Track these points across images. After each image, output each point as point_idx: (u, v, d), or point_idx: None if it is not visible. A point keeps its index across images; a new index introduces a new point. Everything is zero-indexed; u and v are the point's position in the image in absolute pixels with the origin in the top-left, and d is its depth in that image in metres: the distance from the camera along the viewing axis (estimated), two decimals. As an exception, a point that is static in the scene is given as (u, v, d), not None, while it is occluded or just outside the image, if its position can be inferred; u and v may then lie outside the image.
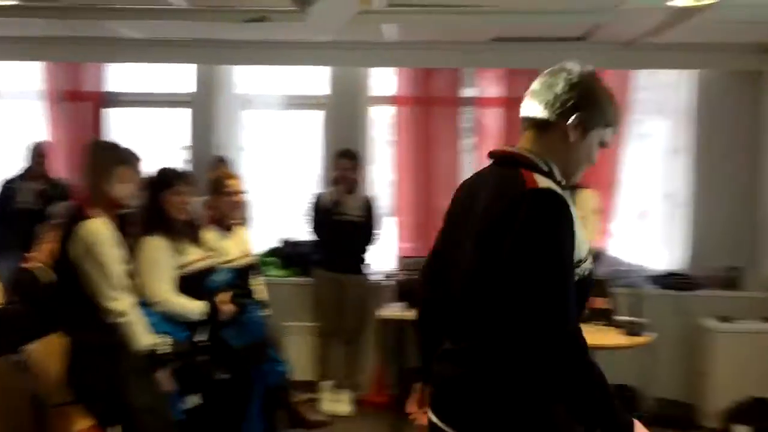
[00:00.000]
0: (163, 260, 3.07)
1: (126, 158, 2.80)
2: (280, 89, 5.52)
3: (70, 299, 2.63)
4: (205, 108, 5.52)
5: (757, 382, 4.60)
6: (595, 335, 3.13)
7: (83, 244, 2.59)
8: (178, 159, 5.30)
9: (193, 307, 3.12)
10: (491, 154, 1.84)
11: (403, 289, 4.83)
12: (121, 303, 2.66)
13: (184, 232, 3.23)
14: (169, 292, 3.03)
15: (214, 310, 3.13)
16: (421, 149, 5.38)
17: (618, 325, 3.10)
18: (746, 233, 5.19)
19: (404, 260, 5.28)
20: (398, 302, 4.76)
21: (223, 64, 5.47)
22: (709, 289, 5.13)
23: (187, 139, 5.61)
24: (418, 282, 2.06)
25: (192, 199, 3.30)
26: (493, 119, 5.38)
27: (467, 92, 5.40)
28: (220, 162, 5.11)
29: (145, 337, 2.71)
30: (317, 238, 5.16)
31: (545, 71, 1.83)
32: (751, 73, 5.13)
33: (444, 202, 5.31)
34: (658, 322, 4.12)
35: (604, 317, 3.13)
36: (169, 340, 2.77)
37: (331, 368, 5.11)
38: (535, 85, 1.80)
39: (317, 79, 5.59)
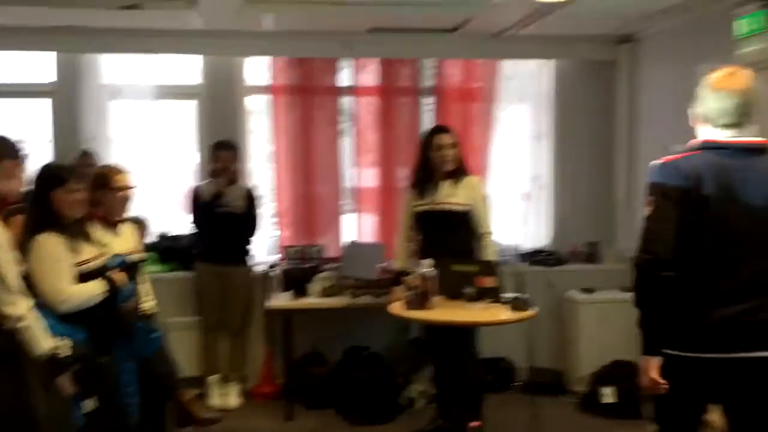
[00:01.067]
0: (63, 258, 2.94)
1: (10, 151, 2.63)
2: (151, 79, 5.33)
3: None
4: (67, 99, 5.23)
5: (618, 347, 5.00)
6: (484, 313, 3.33)
7: None
8: (43, 153, 5.00)
9: (94, 288, 3.01)
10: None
11: (290, 278, 4.87)
12: (19, 307, 2.51)
13: (77, 230, 3.10)
14: (72, 288, 2.92)
15: (112, 283, 3.05)
16: (299, 138, 5.39)
17: (505, 302, 3.31)
18: (603, 211, 5.64)
19: (286, 249, 5.30)
20: (285, 291, 4.79)
21: (89, 52, 5.20)
22: (573, 264, 5.56)
23: (49, 131, 5.30)
24: (656, 260, 2.34)
25: (85, 196, 3.16)
26: (368, 108, 5.49)
27: (343, 81, 5.46)
28: (85, 155, 4.89)
29: (45, 341, 2.57)
30: (198, 231, 5.07)
31: None
32: (605, 62, 5.55)
33: (323, 190, 5.44)
34: (531, 296, 4.43)
35: (492, 295, 3.32)
36: (68, 342, 2.65)
37: (218, 362, 5.05)
38: None
39: (189, 69, 5.45)
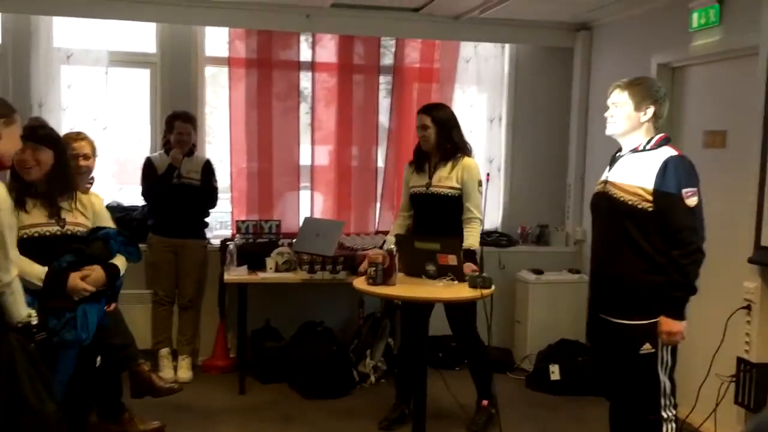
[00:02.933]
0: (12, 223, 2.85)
1: (5, 111, 2.54)
2: (104, 45, 5.18)
3: None
4: (15, 61, 5.04)
5: (564, 327, 5.17)
6: (445, 289, 3.38)
7: None
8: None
9: (37, 274, 2.94)
10: None
11: (245, 253, 4.84)
12: (11, 273, 2.45)
13: (27, 190, 3.02)
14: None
15: (54, 281, 2.98)
16: (258, 112, 5.33)
17: (465, 280, 3.37)
18: (555, 195, 5.77)
19: (239, 224, 5.26)
20: (241, 265, 4.76)
21: (38, 14, 5.00)
22: (523, 245, 5.68)
23: (-5, 95, 5.10)
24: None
25: (43, 157, 3.07)
26: (326, 84, 5.47)
27: (304, 56, 5.42)
28: (35, 122, 4.73)
29: (24, 308, 2.53)
30: (150, 203, 4.99)
31: None
32: (562, 49, 5.65)
33: (280, 167, 5.40)
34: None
35: (455, 273, 3.37)
36: (34, 311, 2.59)
37: (169, 335, 5.00)
38: None
39: (144, 36, 5.32)
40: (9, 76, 5.03)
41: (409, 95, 5.61)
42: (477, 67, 5.68)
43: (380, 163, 5.62)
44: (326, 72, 5.47)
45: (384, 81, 5.59)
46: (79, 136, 3.61)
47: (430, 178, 4.05)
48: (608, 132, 3.03)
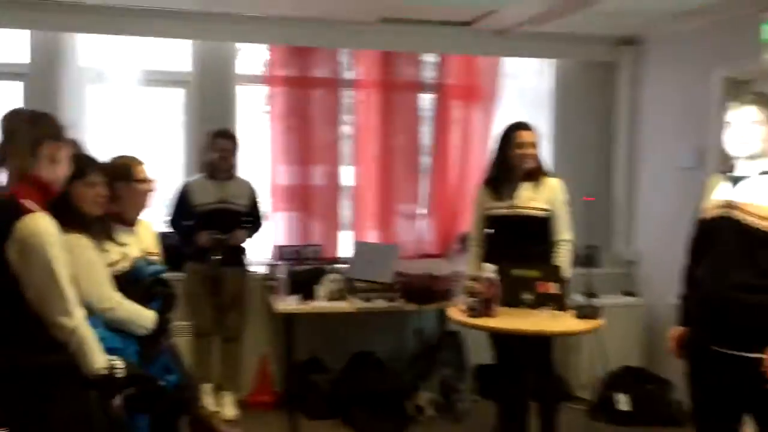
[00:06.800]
0: (98, 260, 2.58)
1: (51, 131, 2.26)
2: (136, 63, 4.92)
3: (7, 315, 2.07)
4: (42, 82, 4.76)
5: (621, 352, 4.95)
6: (553, 321, 3.16)
7: (25, 246, 2.05)
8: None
9: (149, 315, 2.67)
10: None
11: (296, 281, 4.57)
12: (75, 317, 2.14)
13: (101, 228, 2.74)
14: (118, 296, 2.57)
15: (162, 323, 2.70)
16: (300, 131, 5.09)
17: (575, 310, 3.16)
18: (602, 214, 5.57)
19: (281, 249, 5.00)
20: (290, 294, 4.49)
21: (66, 31, 4.74)
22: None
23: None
24: None
25: (105, 190, 2.81)
26: (370, 102, 5.25)
27: (345, 74, 5.20)
28: (72, 144, 4.44)
29: (100, 356, 2.20)
30: (182, 230, 4.71)
31: None
32: (606, 63, 5.48)
33: (321, 187, 5.14)
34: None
35: (556, 302, 3.15)
36: (121, 360, 2.29)
37: (210, 369, 4.70)
38: None
39: (178, 54, 5.07)
40: (37, 97, 4.74)
41: (449, 113, 5.41)
42: (520, 83, 5.50)
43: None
44: (368, 88, 5.25)
45: (426, 98, 5.40)
46: (139, 161, 3.33)
47: (512, 198, 3.83)
48: (742, 152, 2.77)
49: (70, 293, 2.11)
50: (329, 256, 5.06)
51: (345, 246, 5.22)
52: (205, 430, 3.47)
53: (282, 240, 5.10)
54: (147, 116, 4.98)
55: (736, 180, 2.81)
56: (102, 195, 2.78)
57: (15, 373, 2.02)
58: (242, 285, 4.75)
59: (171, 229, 4.71)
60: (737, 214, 2.72)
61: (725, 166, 2.88)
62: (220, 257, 4.48)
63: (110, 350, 2.28)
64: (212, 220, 4.55)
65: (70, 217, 2.56)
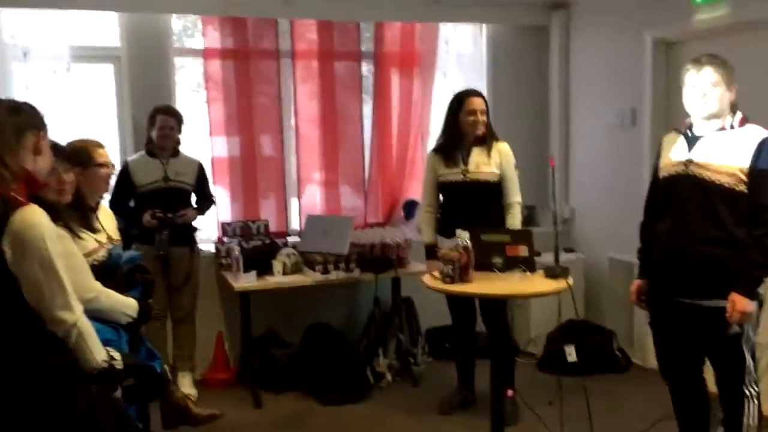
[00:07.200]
0: (76, 250, 2.49)
1: (33, 121, 2.15)
2: (63, 39, 4.67)
3: (4, 314, 1.97)
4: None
5: (568, 307, 5.13)
6: (525, 284, 3.29)
7: (20, 240, 1.96)
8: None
9: (131, 303, 2.60)
10: None
11: (250, 257, 4.52)
12: (75, 311, 2.07)
13: (71, 217, 2.64)
14: (98, 285, 2.49)
15: (145, 310, 2.64)
16: (240, 103, 4.98)
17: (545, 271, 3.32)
18: (538, 175, 5.74)
19: (225, 226, 4.93)
20: (246, 271, 4.44)
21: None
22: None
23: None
24: None
25: (70, 177, 2.70)
26: (309, 72, 5.19)
27: (284, 45, 5.10)
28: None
29: (100, 351, 2.14)
30: (122, 212, 4.55)
31: None
32: (539, 27, 5.61)
33: (264, 158, 5.06)
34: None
35: (526, 264, 3.27)
36: (116, 352, 2.23)
37: (166, 351, 4.62)
38: None
39: (107, 29, 4.85)
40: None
41: (389, 80, 5.42)
42: (455, 48, 5.56)
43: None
44: (306, 59, 5.18)
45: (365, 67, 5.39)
46: (98, 144, 3.21)
47: (464, 164, 3.90)
48: (704, 113, 2.91)
49: (69, 286, 2.04)
50: (279, 231, 5.02)
51: (294, 219, 5.21)
52: (178, 412, 3.41)
53: (227, 215, 5.03)
54: (77, 94, 4.76)
55: (694, 139, 2.96)
56: (65, 182, 2.68)
57: (15, 373, 1.95)
58: (193, 264, 4.66)
59: (114, 211, 4.55)
60: (697, 170, 2.88)
61: (682, 125, 3.04)
62: (166, 236, 4.36)
63: (104, 342, 2.23)
64: (157, 200, 4.42)
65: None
